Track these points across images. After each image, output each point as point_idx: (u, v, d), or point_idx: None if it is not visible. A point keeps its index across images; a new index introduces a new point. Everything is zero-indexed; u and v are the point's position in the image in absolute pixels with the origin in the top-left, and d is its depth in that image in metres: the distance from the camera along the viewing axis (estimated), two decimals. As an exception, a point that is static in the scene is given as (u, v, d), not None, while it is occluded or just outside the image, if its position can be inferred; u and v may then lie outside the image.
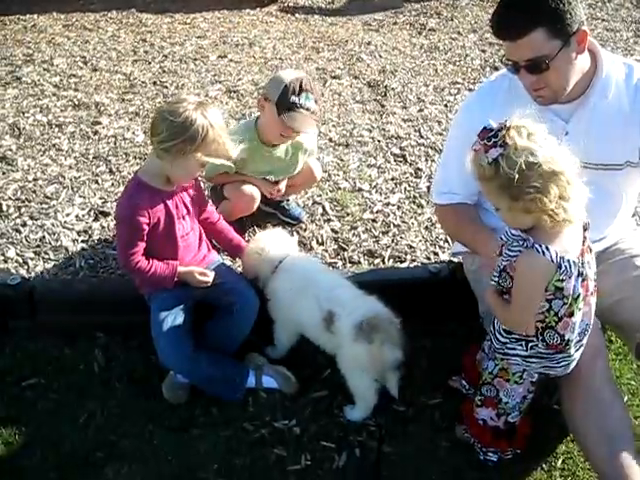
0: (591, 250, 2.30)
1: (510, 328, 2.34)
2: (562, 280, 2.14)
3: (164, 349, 2.78)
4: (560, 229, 2.11)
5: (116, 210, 2.88)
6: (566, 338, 2.28)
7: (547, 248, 2.08)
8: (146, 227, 2.69)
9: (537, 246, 2.09)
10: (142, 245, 2.73)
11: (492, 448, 2.59)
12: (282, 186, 3.54)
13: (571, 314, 2.24)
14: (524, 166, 1.99)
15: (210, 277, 2.85)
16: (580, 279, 2.19)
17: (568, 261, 2.12)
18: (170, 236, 2.79)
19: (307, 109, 3.21)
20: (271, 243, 3.01)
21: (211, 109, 2.62)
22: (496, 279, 2.29)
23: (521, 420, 2.59)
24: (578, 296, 2.21)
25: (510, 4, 2.38)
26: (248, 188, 3.40)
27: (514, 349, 2.37)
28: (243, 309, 2.89)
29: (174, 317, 2.79)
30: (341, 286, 2.84)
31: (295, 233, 3.59)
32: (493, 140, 2.03)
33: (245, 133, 3.22)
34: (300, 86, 3.18)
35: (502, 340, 2.39)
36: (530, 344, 2.33)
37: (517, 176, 1.99)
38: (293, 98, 3.18)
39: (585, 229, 2.26)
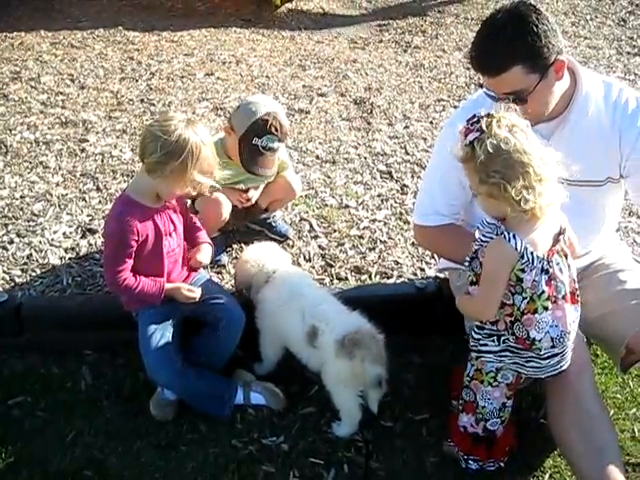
0: (566, 256, 2.34)
1: (476, 316, 2.40)
2: (523, 270, 2.22)
3: (153, 364, 2.78)
4: (531, 223, 2.21)
5: (104, 227, 2.88)
6: (531, 336, 2.31)
7: (514, 236, 2.18)
8: (134, 244, 2.69)
9: (505, 233, 2.19)
10: (130, 262, 2.73)
11: (472, 456, 2.62)
12: (252, 194, 3.54)
13: (535, 311, 2.28)
14: (491, 150, 2.10)
15: (197, 293, 2.85)
16: (545, 276, 2.25)
17: (532, 253, 2.20)
18: (157, 252, 2.79)
19: (269, 150, 3.28)
20: (266, 254, 3.05)
21: (200, 126, 2.65)
22: (468, 264, 2.35)
23: (504, 431, 2.62)
24: (542, 293, 2.26)
25: (487, 41, 2.41)
26: (215, 195, 3.31)
27: (486, 345, 2.43)
28: (229, 325, 2.88)
29: (162, 333, 2.79)
30: (326, 302, 2.85)
31: (283, 249, 3.60)
32: (475, 125, 2.15)
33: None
34: (265, 127, 3.22)
35: (475, 337, 2.44)
36: (502, 338, 2.39)
37: (483, 158, 2.11)
38: (256, 140, 3.24)
39: (561, 233, 2.32)
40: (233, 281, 3.27)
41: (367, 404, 2.71)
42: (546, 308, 2.28)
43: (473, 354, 2.50)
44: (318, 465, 2.68)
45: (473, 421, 2.59)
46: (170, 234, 2.83)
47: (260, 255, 3.04)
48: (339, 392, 2.72)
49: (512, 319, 2.32)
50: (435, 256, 3.49)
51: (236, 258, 3.54)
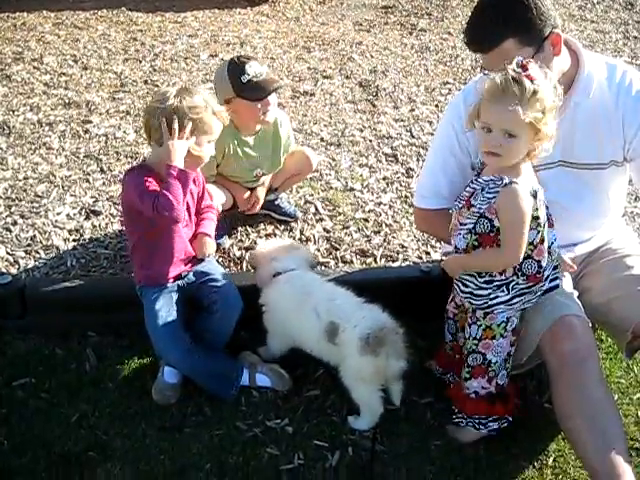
0: None
1: (505, 266, 2.42)
2: (538, 209, 2.34)
3: (162, 342, 2.78)
4: (521, 166, 2.32)
5: (123, 185, 2.82)
6: (542, 264, 2.42)
7: (522, 182, 2.28)
8: (155, 188, 2.65)
9: (514, 181, 2.26)
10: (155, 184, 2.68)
11: (491, 417, 2.63)
12: (256, 200, 3.54)
13: (542, 240, 2.40)
14: (559, 96, 2.24)
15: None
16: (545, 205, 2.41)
17: (537, 191, 2.33)
18: (167, 229, 2.78)
19: (261, 74, 3.23)
20: (280, 251, 2.99)
21: (195, 91, 2.72)
22: (468, 231, 2.39)
23: (509, 385, 2.66)
24: (545, 222, 2.40)
25: (478, 17, 2.42)
26: (211, 187, 3.26)
27: (497, 297, 2.46)
28: (224, 308, 2.87)
29: (168, 311, 2.80)
30: (341, 296, 2.81)
31: (288, 232, 3.59)
32: (533, 72, 2.19)
33: (222, 137, 3.10)
34: (239, 62, 3.20)
35: (484, 294, 2.46)
36: (511, 284, 2.44)
37: (553, 103, 2.22)
38: (244, 78, 3.19)
39: None
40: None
41: (389, 397, 2.71)
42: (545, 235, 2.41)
43: (479, 313, 2.51)
44: (322, 448, 2.67)
45: (485, 382, 2.60)
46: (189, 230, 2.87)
47: (274, 251, 2.99)
48: (359, 388, 2.70)
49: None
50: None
51: (240, 241, 3.54)
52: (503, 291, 2.44)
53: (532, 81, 2.17)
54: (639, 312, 2.53)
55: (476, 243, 2.40)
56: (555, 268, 2.53)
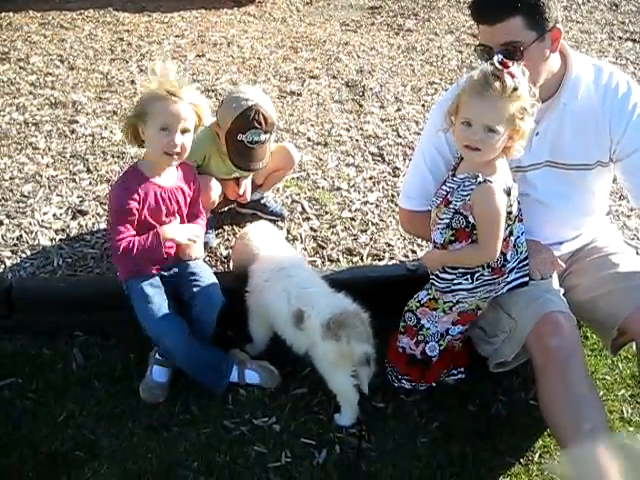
0: None
1: (483, 261, 2.49)
2: (511, 205, 2.41)
3: (158, 327, 2.77)
4: (496, 163, 2.38)
5: (110, 194, 2.87)
6: (508, 257, 2.51)
7: (497, 180, 2.35)
8: (135, 211, 2.69)
9: (489, 180, 2.33)
10: (131, 230, 2.72)
11: (406, 376, 2.76)
12: (244, 186, 3.56)
13: (510, 233, 2.48)
14: (534, 95, 2.29)
15: (200, 237, 2.92)
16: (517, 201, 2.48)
17: (511, 188, 2.40)
18: (153, 226, 2.78)
19: (256, 143, 3.25)
20: (258, 232, 3.07)
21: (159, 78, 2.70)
22: (445, 226, 2.45)
23: (440, 357, 2.73)
24: (516, 217, 2.48)
25: None
26: (206, 178, 3.30)
27: (460, 284, 2.54)
28: (202, 306, 2.86)
29: (161, 296, 2.80)
30: (313, 285, 2.84)
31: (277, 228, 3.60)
32: (515, 70, 2.24)
33: (204, 140, 3.25)
34: (248, 121, 3.19)
35: (448, 277, 2.54)
36: (476, 274, 2.52)
37: (531, 102, 2.27)
38: (240, 136, 3.21)
39: None
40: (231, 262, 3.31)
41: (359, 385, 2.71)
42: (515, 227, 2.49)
43: (438, 292, 2.60)
44: (310, 445, 2.68)
45: (412, 344, 2.72)
46: (173, 214, 2.84)
47: (251, 232, 3.08)
48: (331, 374, 2.72)
49: None
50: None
51: (227, 240, 3.54)
52: (467, 279, 2.52)
53: (513, 78, 2.22)
54: (625, 309, 2.56)
55: (452, 238, 2.47)
56: (522, 262, 2.58)
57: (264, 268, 2.91)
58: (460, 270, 2.52)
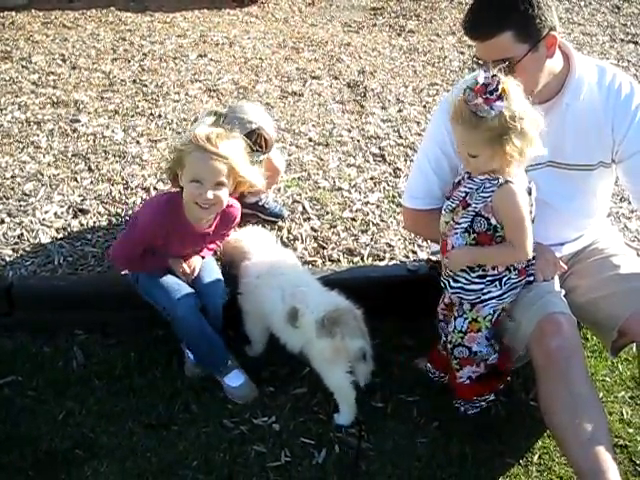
0: None
1: (516, 261, 2.48)
2: (532, 204, 2.42)
3: (168, 298, 2.79)
4: (517, 166, 2.36)
5: (142, 206, 2.92)
6: (530, 258, 2.49)
7: (517, 181, 2.34)
8: (154, 241, 2.77)
9: (509, 180, 2.32)
10: (139, 249, 2.79)
11: (487, 393, 2.70)
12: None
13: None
14: (520, 116, 2.22)
15: (192, 274, 2.90)
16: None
17: (531, 188, 2.41)
18: (164, 255, 2.87)
19: (255, 163, 3.22)
20: (248, 234, 3.09)
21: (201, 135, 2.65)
22: (464, 230, 2.42)
23: (499, 358, 2.68)
24: (534, 218, 2.47)
25: (481, 6, 2.43)
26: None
27: (489, 292, 2.50)
28: (206, 305, 2.89)
29: (171, 275, 2.86)
30: (306, 283, 2.85)
31: (275, 232, 3.60)
32: (495, 94, 2.20)
33: None
34: (251, 143, 3.13)
35: (476, 288, 2.50)
36: (504, 279, 2.50)
37: (517, 126, 2.21)
38: None
39: None
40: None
41: (357, 381, 2.71)
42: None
43: (467, 305, 2.54)
44: (309, 445, 2.69)
45: (474, 368, 2.64)
46: (191, 252, 2.91)
47: (242, 235, 3.09)
48: (327, 371, 2.72)
49: None
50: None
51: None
52: (496, 286, 2.49)
53: (491, 106, 2.20)
54: (625, 311, 2.55)
55: (474, 242, 2.43)
56: (530, 261, 2.57)
57: (256, 267, 2.91)
58: (488, 278, 2.48)
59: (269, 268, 2.89)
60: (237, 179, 2.71)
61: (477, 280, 2.49)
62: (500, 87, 2.19)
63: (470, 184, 2.41)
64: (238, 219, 2.95)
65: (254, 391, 2.89)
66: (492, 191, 2.34)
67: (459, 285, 2.52)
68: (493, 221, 2.38)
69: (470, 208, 2.40)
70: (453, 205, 2.47)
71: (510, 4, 2.34)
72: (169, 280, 2.84)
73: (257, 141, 3.25)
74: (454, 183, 2.53)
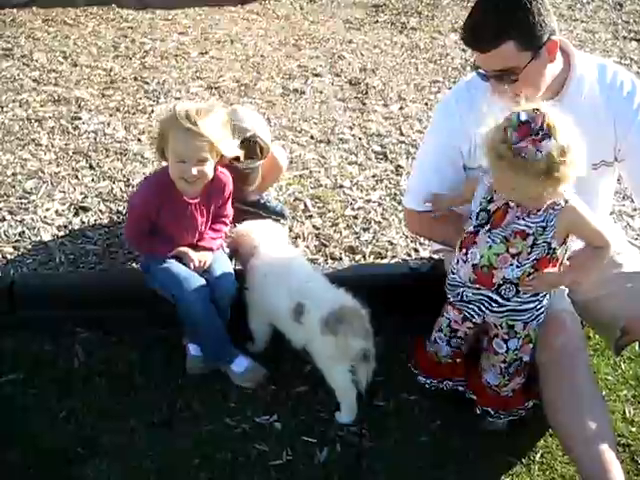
0: None
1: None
2: None
3: (178, 284, 2.82)
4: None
5: (137, 188, 3.00)
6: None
7: (569, 194, 2.30)
8: (149, 218, 2.85)
9: (567, 200, 2.28)
10: (145, 229, 2.89)
11: (531, 398, 2.67)
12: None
13: None
14: (569, 148, 2.16)
15: (202, 264, 2.93)
16: None
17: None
18: (171, 235, 2.92)
19: (249, 170, 3.35)
20: (258, 228, 3.08)
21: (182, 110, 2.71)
22: (527, 254, 2.34)
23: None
24: None
25: (480, 16, 2.37)
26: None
27: (542, 306, 2.48)
28: (217, 293, 2.91)
29: (180, 265, 2.88)
30: (313, 279, 2.85)
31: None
32: (541, 133, 2.13)
33: None
34: (247, 151, 3.17)
35: (531, 307, 2.45)
36: None
37: (566, 160, 2.15)
38: (235, 164, 3.15)
39: None
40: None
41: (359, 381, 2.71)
42: None
43: (519, 326, 2.48)
44: (311, 444, 2.68)
45: (520, 379, 2.62)
46: (192, 229, 2.93)
47: (251, 227, 3.09)
48: (329, 369, 2.73)
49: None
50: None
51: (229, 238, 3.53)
52: (546, 298, 2.47)
53: (538, 148, 2.13)
54: (628, 309, 2.55)
55: (532, 270, 2.36)
56: None
57: (264, 262, 2.91)
58: (541, 293, 2.44)
59: (277, 263, 2.90)
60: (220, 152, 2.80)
61: (532, 299, 2.43)
62: (545, 124, 2.13)
63: (534, 218, 2.31)
64: (230, 186, 2.99)
65: (262, 371, 2.91)
66: (553, 217, 2.29)
67: (509, 308, 2.44)
68: (554, 244, 2.33)
69: (529, 238, 2.32)
70: (504, 234, 2.36)
71: (510, 13, 2.30)
72: (180, 268, 2.87)
73: (253, 149, 3.26)
74: (489, 211, 2.41)
